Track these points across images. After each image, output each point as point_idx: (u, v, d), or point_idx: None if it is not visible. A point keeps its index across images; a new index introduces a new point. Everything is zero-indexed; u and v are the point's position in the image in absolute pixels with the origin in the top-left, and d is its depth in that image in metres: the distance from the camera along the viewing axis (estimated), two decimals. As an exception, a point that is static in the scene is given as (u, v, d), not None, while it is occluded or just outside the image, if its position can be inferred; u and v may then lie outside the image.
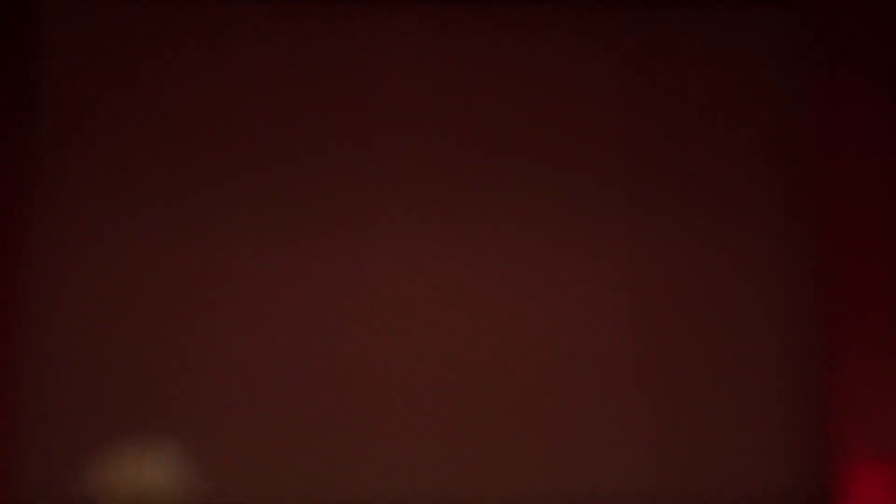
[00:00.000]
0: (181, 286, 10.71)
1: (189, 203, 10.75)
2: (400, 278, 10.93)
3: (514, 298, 10.97)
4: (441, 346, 10.89)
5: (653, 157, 11.03)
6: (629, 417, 10.92)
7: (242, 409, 10.70)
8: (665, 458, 10.92)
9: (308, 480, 10.73)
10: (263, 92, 10.72)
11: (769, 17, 10.93)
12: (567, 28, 10.87)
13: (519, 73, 10.93)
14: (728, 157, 11.06)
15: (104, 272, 10.60)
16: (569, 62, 10.92)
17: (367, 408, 10.80)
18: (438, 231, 10.95)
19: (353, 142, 10.93)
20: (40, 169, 10.30)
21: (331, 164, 10.90)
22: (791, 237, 11.02)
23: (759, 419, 10.94)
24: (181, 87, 10.64)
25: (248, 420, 10.71)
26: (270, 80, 10.74)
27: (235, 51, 10.72)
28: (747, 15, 10.83)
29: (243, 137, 10.85)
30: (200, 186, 10.78)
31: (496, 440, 10.87)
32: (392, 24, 10.79)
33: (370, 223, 10.92)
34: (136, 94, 10.63)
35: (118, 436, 10.41)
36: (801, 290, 10.95)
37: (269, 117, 10.82)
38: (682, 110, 10.94)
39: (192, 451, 10.62)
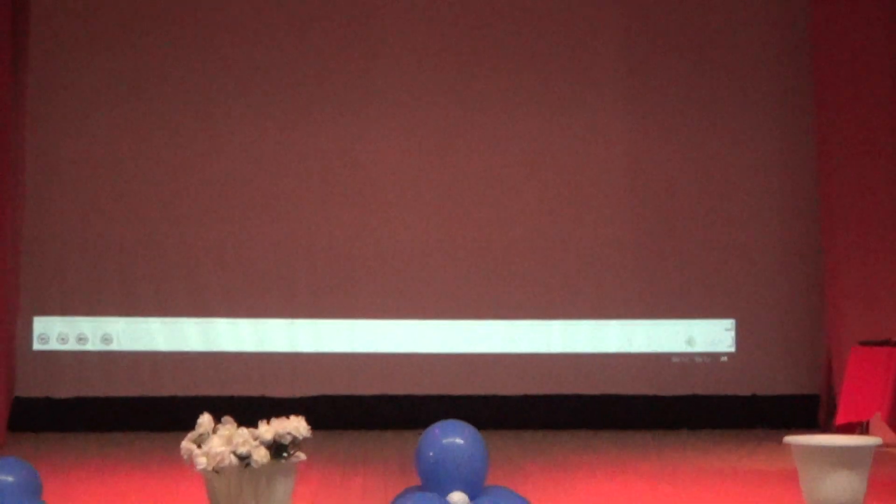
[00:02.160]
0: (179, 165, 10.74)
1: (188, 82, 10.78)
2: (399, 159, 10.96)
3: (513, 178, 10.98)
4: (442, 224, 10.92)
5: (652, 31, 11.03)
6: (626, 302, 10.95)
7: (236, 294, 10.74)
8: (661, 338, 10.95)
9: (308, 363, 10.79)
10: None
11: None
12: None
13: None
14: (727, 34, 11.06)
15: (102, 149, 10.63)
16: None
17: (368, 291, 10.84)
18: (438, 109, 10.97)
19: (351, 19, 10.91)
20: (35, 42, 10.30)
21: (330, 44, 10.90)
22: (790, 116, 11.02)
23: (758, 300, 10.97)
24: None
25: (244, 300, 10.75)
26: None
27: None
28: None
29: (243, 17, 10.84)
30: (200, 67, 10.79)
31: (494, 320, 10.91)
32: None
33: (369, 99, 10.94)
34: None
35: (114, 313, 10.46)
36: (801, 169, 10.96)
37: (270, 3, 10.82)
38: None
39: (187, 336, 10.65)
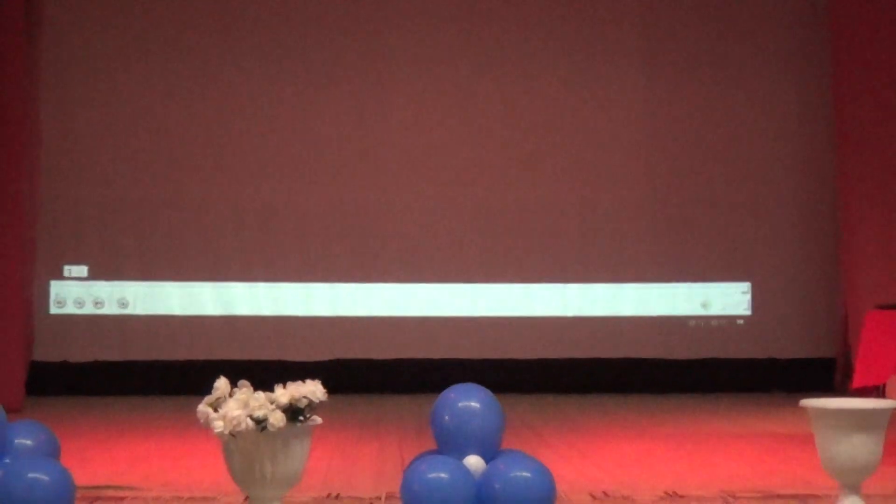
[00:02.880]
0: (195, 129, 10.77)
1: (203, 45, 10.78)
2: (415, 123, 10.96)
3: (529, 141, 10.97)
4: (457, 188, 10.92)
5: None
6: (642, 265, 10.95)
7: (252, 257, 10.77)
8: (677, 301, 10.94)
9: (323, 327, 10.81)
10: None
11: None
12: None
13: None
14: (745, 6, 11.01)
15: (117, 113, 10.65)
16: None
17: (384, 255, 10.86)
18: (453, 73, 10.96)
19: None
20: (49, 5, 10.30)
21: (346, 7, 10.88)
22: (807, 78, 10.97)
23: (774, 264, 10.96)
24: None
25: (260, 264, 10.78)
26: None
27: None
28: None
29: None
30: (215, 30, 10.79)
31: (509, 284, 10.92)
32: None
33: (384, 63, 10.92)
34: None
35: (131, 276, 10.50)
36: (817, 130, 10.92)
37: None
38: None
39: (203, 301, 10.69)
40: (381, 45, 10.90)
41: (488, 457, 5.16)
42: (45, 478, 5.02)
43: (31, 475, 5.03)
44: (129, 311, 10.64)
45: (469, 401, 5.21)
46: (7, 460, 5.17)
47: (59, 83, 10.56)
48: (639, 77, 11.01)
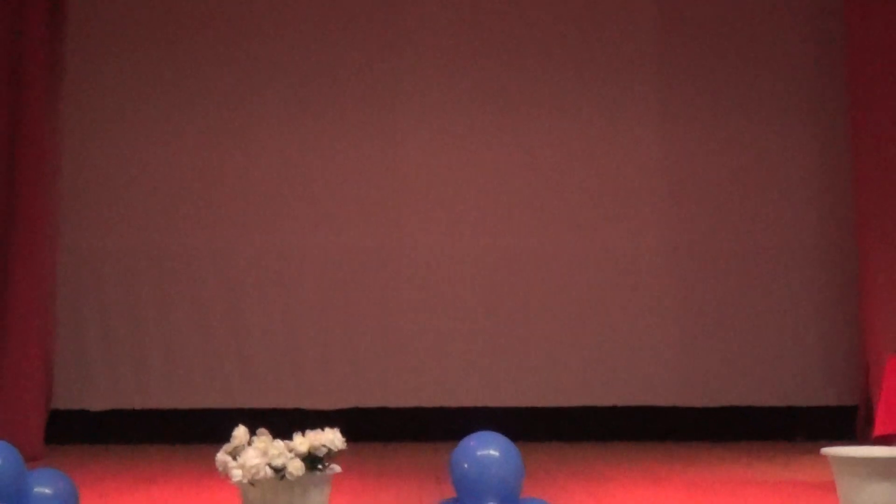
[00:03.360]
0: (213, 173, 10.79)
1: (218, 87, 10.83)
2: (432, 169, 10.96)
3: (548, 182, 10.96)
4: (473, 229, 10.91)
5: (685, 31, 11.00)
6: (662, 302, 10.89)
7: (272, 305, 10.75)
8: (697, 348, 10.87)
9: (342, 375, 10.77)
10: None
11: None
12: None
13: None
14: (760, 33, 11.01)
15: (137, 159, 10.69)
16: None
17: (401, 301, 10.83)
18: (469, 118, 10.97)
19: (382, 20, 10.92)
20: (71, 49, 10.36)
21: (363, 45, 10.93)
22: (824, 119, 10.95)
23: (794, 310, 10.88)
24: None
25: (278, 310, 10.76)
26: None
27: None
28: None
29: (274, 19, 10.88)
30: (234, 71, 10.85)
31: (529, 337, 10.86)
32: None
33: (398, 103, 10.94)
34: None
35: (150, 324, 10.48)
36: (836, 174, 10.88)
37: (302, 9, 10.84)
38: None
39: (221, 348, 10.67)
40: (396, 85, 10.95)
41: (508, 505, 5.14)
42: (64, 526, 5.01)
43: (49, 524, 5.03)
44: (146, 359, 10.64)
45: (488, 449, 5.20)
46: (26, 509, 5.17)
47: (79, 133, 10.64)
48: (657, 118, 11.03)
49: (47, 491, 5.34)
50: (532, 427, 10.35)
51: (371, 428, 10.29)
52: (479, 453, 5.21)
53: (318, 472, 5.12)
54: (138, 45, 10.82)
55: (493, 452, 5.20)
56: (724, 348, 10.94)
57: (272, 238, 10.85)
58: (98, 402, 10.54)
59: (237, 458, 5.11)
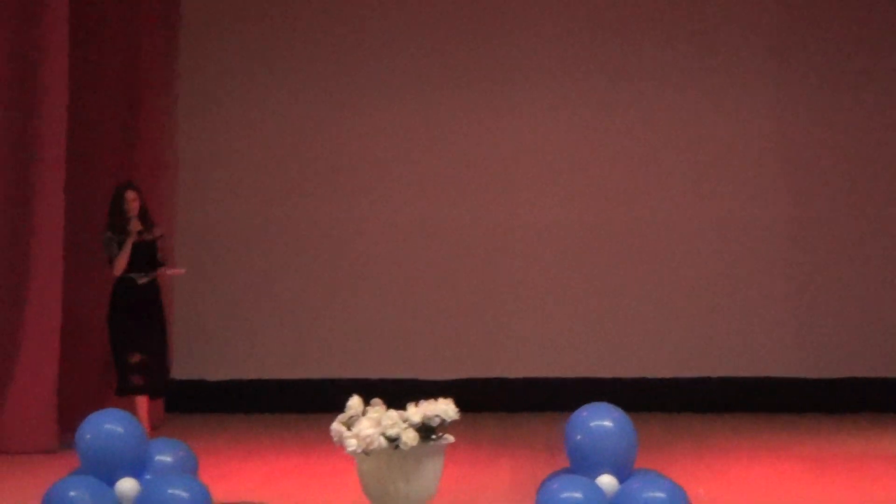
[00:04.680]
0: (322, 147, 10.88)
1: (328, 61, 10.90)
2: (545, 142, 10.91)
3: (662, 160, 10.85)
4: (589, 203, 10.85)
5: (799, 2, 10.80)
6: (780, 272, 10.73)
7: (385, 276, 10.82)
8: (814, 318, 10.69)
9: (453, 347, 10.81)
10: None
11: None
12: None
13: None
14: (879, 6, 10.75)
15: (251, 146, 10.83)
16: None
17: (516, 272, 10.82)
18: (583, 91, 10.90)
19: (500, 3, 10.89)
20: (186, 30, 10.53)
21: (479, 20, 10.91)
22: None
23: None
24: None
25: (393, 282, 10.83)
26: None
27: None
28: None
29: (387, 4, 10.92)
30: (345, 46, 10.90)
31: (641, 301, 10.79)
32: None
33: (516, 78, 10.91)
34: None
35: (265, 296, 10.62)
36: None
37: None
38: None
39: (335, 319, 10.78)
40: (513, 60, 10.90)
41: (622, 476, 5.11)
42: (183, 494, 5.11)
43: (170, 491, 5.12)
44: (262, 330, 10.77)
45: (602, 420, 5.18)
46: (147, 476, 5.28)
47: (193, 109, 10.79)
48: (774, 94, 10.84)
49: (167, 459, 5.45)
50: (646, 398, 10.27)
51: (484, 398, 10.30)
52: (592, 424, 5.19)
53: (431, 443, 5.14)
54: (250, 19, 10.91)
55: (607, 423, 5.18)
56: (843, 318, 10.73)
57: (387, 210, 10.89)
58: (215, 372, 10.70)
59: (352, 428, 5.15)
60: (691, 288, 10.82)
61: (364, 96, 10.92)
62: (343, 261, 10.88)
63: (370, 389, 5.51)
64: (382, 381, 10.18)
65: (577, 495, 4.99)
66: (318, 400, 9.55)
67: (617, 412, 5.21)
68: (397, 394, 5.53)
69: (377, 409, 5.17)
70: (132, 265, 8.66)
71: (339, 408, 5.28)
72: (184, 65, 10.62)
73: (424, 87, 10.93)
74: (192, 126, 10.71)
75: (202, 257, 10.72)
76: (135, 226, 8.63)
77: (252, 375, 10.79)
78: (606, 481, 5.07)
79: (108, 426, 5.29)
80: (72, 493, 5.12)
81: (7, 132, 8.38)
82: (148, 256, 8.76)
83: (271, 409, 10.57)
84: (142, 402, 8.64)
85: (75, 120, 8.73)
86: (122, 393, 8.65)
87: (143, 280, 8.72)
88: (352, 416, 5.21)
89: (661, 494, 5.00)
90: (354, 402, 5.26)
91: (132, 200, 8.68)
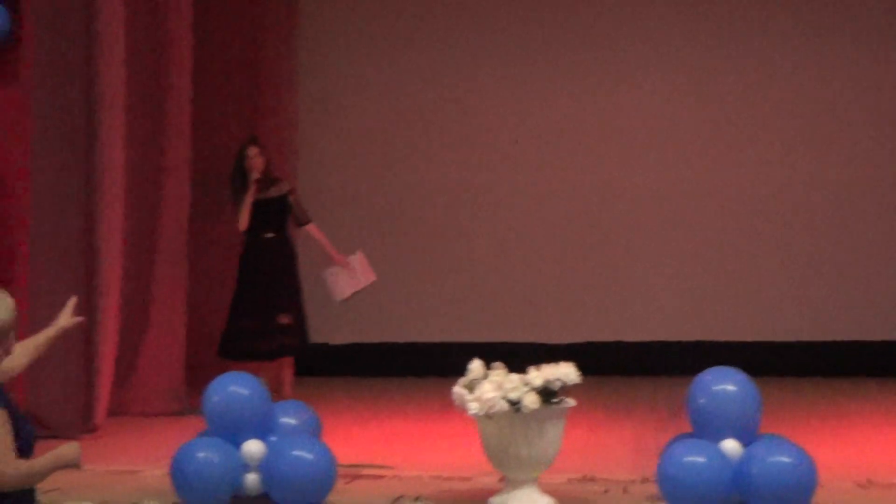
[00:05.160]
0: (439, 112, 10.90)
1: (447, 27, 10.91)
2: (656, 106, 10.80)
3: (769, 121, 10.67)
4: (700, 171, 10.73)
5: None
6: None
7: (505, 240, 10.84)
8: None
9: (574, 310, 10.79)
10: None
11: None
12: None
13: None
14: None
15: (369, 115, 10.90)
16: None
17: (636, 235, 10.76)
18: (691, 59, 10.75)
19: None
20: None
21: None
22: None
23: None
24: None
25: (513, 246, 10.84)
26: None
27: None
28: None
29: None
30: (461, 14, 10.90)
31: (764, 263, 10.64)
32: None
33: (621, 42, 10.82)
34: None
35: (387, 260, 10.69)
36: None
37: None
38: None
39: (457, 283, 10.83)
40: (623, 27, 10.79)
41: (746, 441, 5.07)
42: (308, 455, 5.20)
43: (295, 453, 5.22)
44: (384, 293, 10.85)
45: (725, 384, 5.14)
46: (273, 438, 5.37)
47: (315, 74, 10.88)
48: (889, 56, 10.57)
49: (292, 421, 5.53)
50: (770, 362, 10.12)
51: (606, 362, 10.25)
52: (715, 388, 5.15)
53: (552, 406, 5.15)
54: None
55: (731, 387, 5.13)
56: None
57: (505, 174, 10.87)
58: (338, 335, 10.81)
59: (473, 391, 5.17)
60: (814, 250, 10.63)
61: (482, 60, 10.89)
62: (463, 225, 10.90)
63: (492, 353, 5.52)
64: (504, 345, 10.19)
65: (701, 460, 4.96)
66: (441, 363, 9.60)
67: (741, 376, 5.16)
68: (519, 357, 5.54)
69: (499, 373, 5.19)
70: (258, 222, 8.56)
71: (461, 371, 5.31)
72: (303, 34, 10.71)
73: (537, 54, 10.88)
74: (313, 82, 10.82)
75: (324, 221, 10.83)
76: (254, 180, 8.51)
77: (375, 339, 10.88)
78: (730, 446, 5.03)
79: (234, 388, 5.39)
80: (200, 455, 5.23)
81: (137, 115, 8.45)
82: (274, 213, 8.65)
83: (394, 373, 10.65)
84: (288, 364, 8.61)
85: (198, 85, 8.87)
86: (271, 357, 8.56)
87: (268, 235, 8.69)
88: (473, 380, 5.23)
89: (785, 459, 4.95)
90: (476, 365, 5.28)
91: (255, 156, 8.59)
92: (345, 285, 8.96)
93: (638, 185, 10.79)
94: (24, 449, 3.96)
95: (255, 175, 8.52)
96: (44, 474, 3.99)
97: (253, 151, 8.61)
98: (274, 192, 8.67)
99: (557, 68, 10.86)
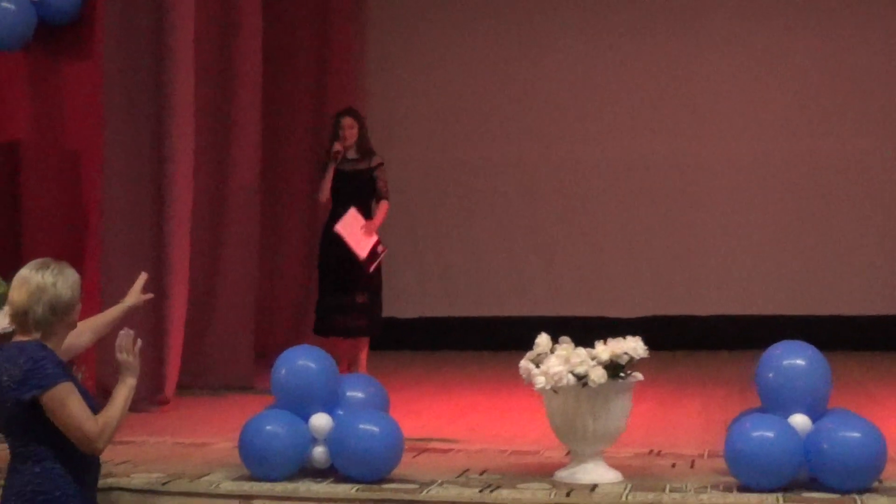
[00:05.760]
0: (510, 88, 10.91)
1: (515, 3, 10.91)
2: (726, 79, 10.72)
3: (836, 95, 10.55)
4: (770, 143, 10.66)
5: None
6: None
7: (573, 214, 10.82)
8: None
9: (642, 284, 10.75)
10: None
11: None
12: None
13: None
14: None
15: (436, 86, 10.92)
16: None
17: (701, 208, 10.69)
18: (762, 30, 10.66)
19: None
20: None
21: None
22: None
23: None
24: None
25: (579, 222, 10.83)
26: None
27: None
28: None
29: None
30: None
31: (835, 245, 10.54)
32: None
33: (696, 26, 10.74)
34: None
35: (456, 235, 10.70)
36: None
37: None
38: None
39: (524, 257, 10.84)
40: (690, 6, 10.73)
41: (815, 416, 5.02)
42: (375, 429, 5.22)
43: (362, 426, 5.24)
44: (452, 268, 10.87)
45: (795, 358, 5.09)
46: (340, 412, 5.40)
47: (384, 51, 10.90)
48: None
49: (359, 395, 5.56)
50: (840, 336, 10.02)
51: (673, 336, 10.21)
52: (785, 363, 5.10)
53: (619, 380, 5.13)
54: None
55: (800, 362, 5.09)
56: None
57: (574, 150, 10.85)
58: (407, 310, 10.85)
59: (540, 365, 5.17)
60: (886, 223, 10.49)
61: (551, 36, 10.87)
62: (531, 200, 10.89)
63: (559, 327, 5.52)
64: (571, 319, 10.19)
65: (770, 434, 4.93)
66: (507, 337, 9.60)
67: (810, 350, 5.11)
68: (586, 331, 5.52)
69: (566, 347, 5.18)
70: (342, 194, 8.21)
71: (528, 345, 5.31)
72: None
73: (607, 28, 10.83)
74: (382, 60, 10.85)
75: (394, 198, 10.85)
76: (336, 150, 8.19)
77: (442, 313, 10.91)
78: (799, 420, 4.99)
79: (302, 362, 5.42)
80: (268, 427, 5.27)
81: (208, 102, 8.47)
82: (360, 185, 8.27)
83: (460, 347, 10.68)
84: (364, 343, 8.40)
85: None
86: (346, 334, 8.31)
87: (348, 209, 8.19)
88: (540, 354, 5.23)
89: (855, 434, 4.90)
90: (543, 339, 5.27)
91: (349, 127, 8.21)
92: (352, 231, 8.42)
93: (708, 158, 10.72)
94: None
95: (336, 147, 8.22)
96: (124, 409, 4.09)
97: (347, 122, 8.25)
98: (363, 164, 8.31)
99: (630, 42, 10.80)
